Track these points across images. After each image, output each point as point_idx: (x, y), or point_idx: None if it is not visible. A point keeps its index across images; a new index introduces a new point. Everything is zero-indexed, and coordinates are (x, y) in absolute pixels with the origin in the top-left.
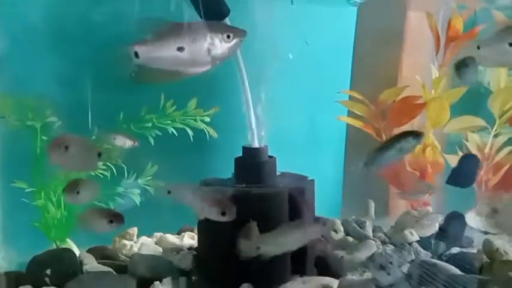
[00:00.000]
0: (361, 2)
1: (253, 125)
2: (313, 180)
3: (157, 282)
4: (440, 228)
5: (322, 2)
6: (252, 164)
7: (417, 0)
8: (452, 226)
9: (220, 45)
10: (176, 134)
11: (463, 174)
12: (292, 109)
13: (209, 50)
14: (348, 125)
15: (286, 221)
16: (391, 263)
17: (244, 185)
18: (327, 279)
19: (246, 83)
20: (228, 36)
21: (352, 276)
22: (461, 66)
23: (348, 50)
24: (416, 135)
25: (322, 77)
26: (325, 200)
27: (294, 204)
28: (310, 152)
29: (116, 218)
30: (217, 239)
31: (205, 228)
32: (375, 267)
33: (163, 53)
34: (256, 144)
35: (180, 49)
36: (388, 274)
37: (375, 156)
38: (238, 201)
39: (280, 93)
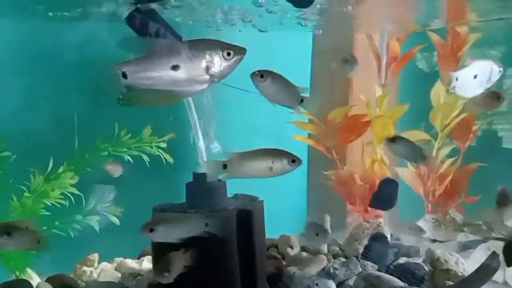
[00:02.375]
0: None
1: (202, 150)
2: (262, 201)
3: None
4: (365, 248)
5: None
6: (201, 188)
7: (363, 24)
8: (375, 246)
9: (220, 63)
10: (132, 161)
11: (383, 197)
12: (256, 127)
13: (208, 68)
14: None
15: (233, 242)
16: (317, 284)
17: (193, 210)
18: None
19: (193, 109)
20: (229, 54)
21: None
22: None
23: (306, 72)
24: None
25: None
26: (291, 215)
27: (243, 225)
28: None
29: None
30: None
31: (159, 253)
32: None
33: (155, 73)
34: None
35: (175, 68)
36: None
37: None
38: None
39: (244, 112)
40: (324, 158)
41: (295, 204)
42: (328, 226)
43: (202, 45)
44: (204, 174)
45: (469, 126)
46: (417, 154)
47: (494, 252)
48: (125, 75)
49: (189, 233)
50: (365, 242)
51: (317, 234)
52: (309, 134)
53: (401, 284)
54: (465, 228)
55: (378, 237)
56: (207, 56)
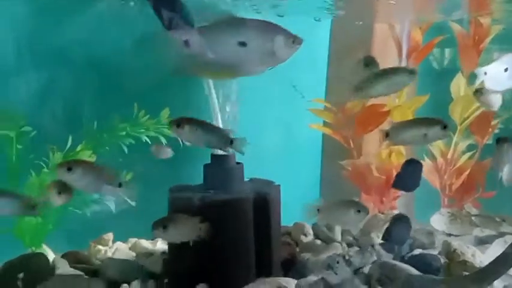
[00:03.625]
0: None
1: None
2: (279, 185)
3: (126, 284)
4: (386, 230)
5: (299, 14)
6: (218, 170)
7: (382, 13)
8: (397, 228)
9: (285, 49)
10: (149, 142)
11: (407, 178)
12: (270, 116)
13: (273, 52)
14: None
15: (250, 224)
16: (338, 262)
17: (211, 191)
18: (286, 280)
19: (212, 89)
20: (293, 41)
21: (313, 277)
22: None
23: (323, 60)
24: (444, 126)
25: (300, 85)
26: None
27: (259, 209)
28: (288, 158)
29: None
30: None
31: None
32: (322, 267)
33: (219, 46)
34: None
35: (242, 44)
36: (336, 273)
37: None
38: (204, 207)
39: (258, 101)
40: (338, 148)
41: (308, 194)
42: None
43: (272, 28)
44: (220, 156)
45: (488, 120)
46: (217, 138)
47: None
48: (187, 43)
49: None
50: (379, 233)
51: (359, 211)
52: (324, 123)
53: (417, 272)
54: (473, 218)
55: (400, 219)
56: (276, 39)
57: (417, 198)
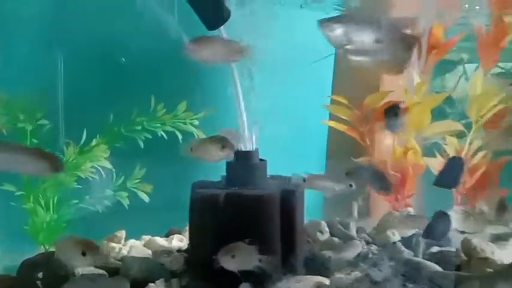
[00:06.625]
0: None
1: (245, 128)
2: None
3: (152, 284)
4: (427, 227)
5: (307, 7)
6: (243, 166)
7: (398, 6)
8: (438, 225)
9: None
10: (165, 137)
11: (449, 176)
12: (274, 111)
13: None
14: (329, 128)
15: (277, 221)
16: (382, 259)
17: (236, 188)
18: (320, 278)
19: (238, 85)
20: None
21: (340, 275)
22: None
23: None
24: None
25: (304, 80)
26: (306, 202)
27: (285, 206)
28: (292, 154)
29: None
30: (209, 240)
31: (197, 229)
32: (368, 264)
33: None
34: (247, 147)
35: (378, 41)
36: (380, 270)
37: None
38: (231, 203)
39: (261, 95)
40: (344, 143)
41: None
42: (356, 214)
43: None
44: (245, 152)
45: (502, 118)
46: None
47: None
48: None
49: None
50: (396, 230)
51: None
52: (330, 117)
53: (441, 269)
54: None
55: (441, 215)
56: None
57: (427, 196)
